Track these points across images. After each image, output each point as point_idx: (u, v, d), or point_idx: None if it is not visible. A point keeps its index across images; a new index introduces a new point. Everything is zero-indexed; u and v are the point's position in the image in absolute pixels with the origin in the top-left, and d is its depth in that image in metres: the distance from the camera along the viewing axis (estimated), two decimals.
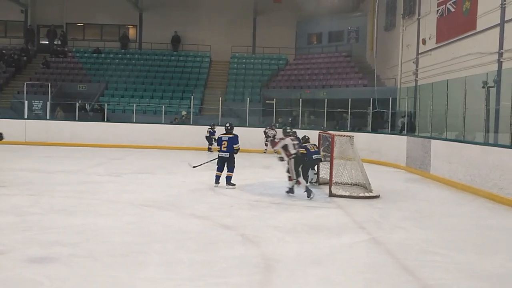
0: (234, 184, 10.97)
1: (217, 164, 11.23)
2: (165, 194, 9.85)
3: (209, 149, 20.55)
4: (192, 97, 23.99)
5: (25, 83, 24.59)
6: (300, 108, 22.34)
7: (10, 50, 30.27)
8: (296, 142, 10.36)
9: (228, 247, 6.18)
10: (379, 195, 10.38)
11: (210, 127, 20.86)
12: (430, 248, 6.39)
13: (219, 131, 18.92)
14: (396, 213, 8.79)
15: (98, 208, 8.33)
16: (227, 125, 11.38)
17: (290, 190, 10.24)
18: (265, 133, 20.91)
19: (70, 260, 5.43)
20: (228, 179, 10.99)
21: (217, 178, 11.11)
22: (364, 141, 15.46)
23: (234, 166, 11.13)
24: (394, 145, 17.15)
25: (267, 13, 30.74)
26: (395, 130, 19.15)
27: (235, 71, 30.03)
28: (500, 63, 14.47)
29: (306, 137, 12.24)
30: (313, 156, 11.48)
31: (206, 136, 20.76)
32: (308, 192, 9.78)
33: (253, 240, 6.55)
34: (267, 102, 23.88)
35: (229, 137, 11.15)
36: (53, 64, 29.54)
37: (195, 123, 22.78)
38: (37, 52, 31.62)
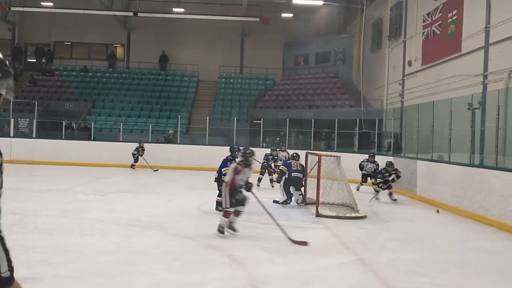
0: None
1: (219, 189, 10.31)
2: (151, 214, 9.77)
3: (132, 166, 20.62)
4: (179, 116, 23.98)
5: (11, 101, 24.37)
6: (287, 128, 22.40)
7: None
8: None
9: (215, 268, 6.13)
10: (366, 216, 10.39)
11: (138, 144, 20.76)
12: (417, 269, 6.39)
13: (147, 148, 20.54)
14: (383, 234, 8.80)
15: (83, 228, 8.23)
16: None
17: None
18: (270, 156, 16.24)
19: (54, 280, 5.35)
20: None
21: (220, 204, 10.03)
22: (351, 161, 15.50)
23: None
24: (381, 166, 17.20)
25: (255, 34, 30.97)
26: (381, 150, 19.26)
27: (222, 90, 30.12)
28: (485, 85, 14.68)
29: (294, 155, 12.31)
30: (293, 173, 11.59)
31: (133, 153, 20.54)
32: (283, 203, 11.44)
33: (240, 260, 6.51)
34: (254, 122, 23.94)
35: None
36: (40, 82, 29.42)
37: (182, 142, 22.72)
38: (24, 70, 31.48)
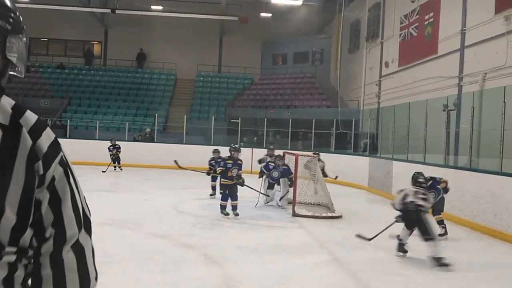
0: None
1: (221, 192, 10.00)
2: (126, 213, 9.68)
3: (118, 168, 19.26)
4: (156, 114, 23.82)
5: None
6: (265, 127, 22.41)
7: None
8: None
9: (190, 267, 6.10)
10: (342, 216, 10.44)
11: (110, 142, 19.26)
12: (391, 268, 6.44)
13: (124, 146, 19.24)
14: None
15: None
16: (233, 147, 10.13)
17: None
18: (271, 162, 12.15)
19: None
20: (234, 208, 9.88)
21: (223, 207, 9.88)
22: (327, 161, 15.55)
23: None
24: (357, 166, 17.34)
25: (233, 33, 30.89)
26: (357, 151, 19.40)
27: (200, 89, 30.00)
28: (460, 87, 14.88)
29: (279, 156, 12.24)
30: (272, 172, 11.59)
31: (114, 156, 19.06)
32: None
33: (216, 260, 6.48)
34: (232, 121, 23.90)
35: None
36: (16, 78, 28.45)
37: (159, 141, 22.57)
38: None
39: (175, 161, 12.83)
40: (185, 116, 23.21)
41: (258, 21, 28.55)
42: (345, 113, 21.57)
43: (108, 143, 19.38)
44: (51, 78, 29.35)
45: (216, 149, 13.33)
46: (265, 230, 8.48)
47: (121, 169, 19.12)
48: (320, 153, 13.48)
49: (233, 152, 9.86)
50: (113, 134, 23.21)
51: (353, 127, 19.48)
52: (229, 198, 9.73)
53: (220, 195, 9.97)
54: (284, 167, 11.72)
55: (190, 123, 24.48)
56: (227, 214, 9.66)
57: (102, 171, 17.95)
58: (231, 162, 9.73)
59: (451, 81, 15.39)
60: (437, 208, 8.79)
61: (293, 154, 11.76)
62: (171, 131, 25.04)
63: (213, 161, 12.75)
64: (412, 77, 18.17)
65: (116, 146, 19.15)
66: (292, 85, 29.01)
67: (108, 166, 18.58)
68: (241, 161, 9.91)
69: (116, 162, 19.18)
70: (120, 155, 19.24)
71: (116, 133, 23.61)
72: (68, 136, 22.83)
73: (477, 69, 14.10)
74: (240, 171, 9.78)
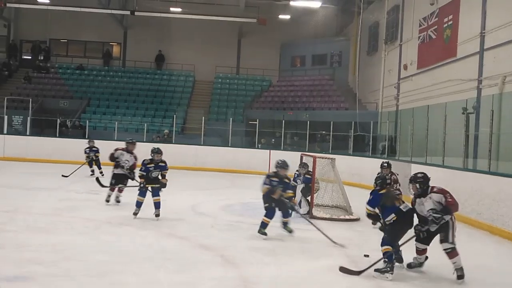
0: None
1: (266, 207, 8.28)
2: (144, 213, 9.74)
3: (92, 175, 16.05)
4: (174, 115, 23.94)
5: (5, 98, 24.31)
6: (283, 129, 22.39)
7: None
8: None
9: (207, 268, 6.13)
10: (360, 218, 10.39)
11: (88, 143, 16.91)
12: (408, 272, 6.40)
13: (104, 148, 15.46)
14: (375, 237, 8.77)
15: (76, 226, 8.21)
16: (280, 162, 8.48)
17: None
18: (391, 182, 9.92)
19: (45, 279, 5.34)
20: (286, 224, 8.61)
21: (265, 225, 8.23)
22: (345, 163, 15.52)
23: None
24: (375, 168, 17.18)
25: (252, 34, 30.97)
26: (376, 153, 19.29)
27: (218, 91, 30.11)
28: (479, 90, 14.75)
29: (304, 164, 11.37)
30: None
31: (90, 159, 16.51)
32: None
33: (233, 261, 6.51)
34: (250, 122, 23.94)
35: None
36: (35, 79, 29.32)
37: (177, 142, 22.67)
38: (19, 67, 31.35)
39: (97, 179, 11.64)
40: (203, 118, 23.28)
41: (277, 23, 28.61)
42: (364, 116, 21.47)
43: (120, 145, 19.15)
44: (70, 79, 29.70)
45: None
46: (282, 232, 8.46)
47: (102, 175, 15.35)
48: (335, 155, 13.34)
49: (279, 169, 8.30)
50: (132, 135, 23.36)
51: (371, 130, 19.37)
52: (279, 213, 8.38)
53: (265, 210, 8.30)
54: (307, 175, 10.95)
55: (208, 124, 24.57)
56: (265, 234, 8.13)
57: (63, 175, 15.64)
58: (277, 180, 8.26)
59: (470, 84, 15.25)
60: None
61: (311, 156, 11.74)
62: (189, 132, 25.15)
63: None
64: (431, 79, 18.04)
65: (94, 148, 16.55)
66: (310, 87, 28.95)
67: (74, 170, 15.98)
68: (288, 179, 8.43)
69: (97, 167, 16.42)
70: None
71: (134, 134, 23.78)
72: (87, 136, 23.03)
73: (496, 72, 13.96)
74: (288, 192, 8.35)
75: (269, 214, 8.20)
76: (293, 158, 12.52)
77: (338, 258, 6.99)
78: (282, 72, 31.77)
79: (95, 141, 17.03)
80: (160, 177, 9.44)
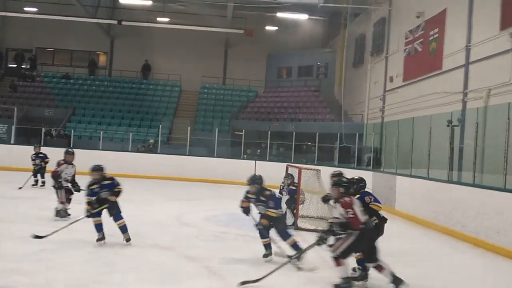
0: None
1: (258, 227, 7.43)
2: (128, 224, 9.63)
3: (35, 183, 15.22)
4: (160, 125, 23.85)
5: None
6: (269, 140, 22.39)
7: None
8: None
9: (191, 279, 6.08)
10: None
11: (34, 149, 15.62)
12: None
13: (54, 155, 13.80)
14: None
15: (58, 236, 8.09)
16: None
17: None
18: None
19: None
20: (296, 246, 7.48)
21: (265, 247, 7.54)
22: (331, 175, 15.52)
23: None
24: None
25: (239, 45, 31.03)
26: (361, 165, 19.35)
27: (205, 101, 30.09)
28: (464, 103, 14.89)
29: (289, 174, 11.29)
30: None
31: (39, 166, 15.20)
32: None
33: (217, 272, 6.46)
34: (236, 133, 23.92)
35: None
36: (21, 88, 29.07)
37: (163, 152, 22.57)
38: (4, 75, 31.09)
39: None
40: (188, 128, 23.22)
41: (264, 34, 28.73)
42: (349, 127, 21.57)
43: (113, 154, 18.84)
44: (56, 88, 29.50)
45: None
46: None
47: (43, 185, 14.84)
48: (320, 167, 13.35)
49: (249, 186, 7.49)
50: (117, 145, 23.31)
51: (356, 141, 19.47)
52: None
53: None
54: (292, 187, 10.74)
55: (194, 134, 24.53)
56: (267, 255, 7.45)
57: (19, 188, 14.50)
58: (254, 197, 7.47)
59: (455, 97, 15.39)
60: None
61: (296, 167, 11.73)
62: (174, 142, 25.07)
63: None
64: (417, 92, 18.18)
65: (41, 155, 15.22)
66: (296, 98, 29.06)
67: (27, 181, 14.77)
68: (264, 196, 7.32)
69: (39, 175, 15.18)
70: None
71: (119, 143, 23.69)
72: (71, 145, 22.82)
73: (481, 85, 14.11)
74: (269, 210, 7.29)
75: (261, 234, 7.43)
76: (278, 169, 12.56)
77: (324, 271, 6.95)
78: (269, 83, 31.86)
79: (41, 147, 15.95)
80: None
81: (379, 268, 6.06)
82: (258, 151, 23.07)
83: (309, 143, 22.24)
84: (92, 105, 28.23)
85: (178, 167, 21.14)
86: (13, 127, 23.03)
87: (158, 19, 27.45)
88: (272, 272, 6.12)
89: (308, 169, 11.72)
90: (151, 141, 23.37)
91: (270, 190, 7.43)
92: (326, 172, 13.54)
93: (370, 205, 6.67)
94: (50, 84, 29.94)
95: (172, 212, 11.62)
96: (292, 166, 12.82)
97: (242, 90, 31.18)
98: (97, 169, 8.04)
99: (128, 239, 7.93)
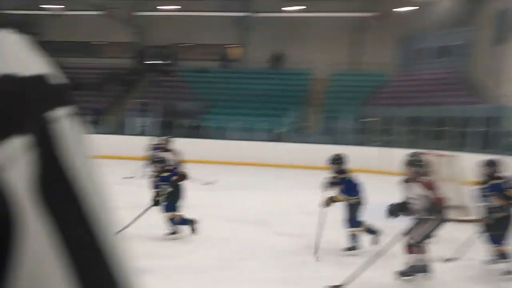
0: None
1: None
2: (256, 211, 9.77)
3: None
4: (290, 114, 23.96)
5: (133, 102, 25.85)
6: (402, 126, 21.54)
7: (122, 70, 32.08)
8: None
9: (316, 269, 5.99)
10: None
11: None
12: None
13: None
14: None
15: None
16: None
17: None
18: None
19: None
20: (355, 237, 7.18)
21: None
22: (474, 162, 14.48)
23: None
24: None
25: (368, 29, 30.17)
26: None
27: (334, 88, 29.67)
28: None
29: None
30: None
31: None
32: None
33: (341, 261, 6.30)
34: (367, 120, 23.35)
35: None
36: (160, 83, 30.92)
37: (291, 140, 22.70)
38: (145, 71, 33.21)
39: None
40: (317, 116, 23.10)
41: (396, 16, 27.72)
42: (492, 110, 20.12)
43: (244, 143, 19.52)
44: (192, 82, 30.86)
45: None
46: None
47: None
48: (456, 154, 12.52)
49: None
50: (248, 134, 23.87)
51: (503, 125, 18.13)
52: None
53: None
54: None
55: (324, 122, 24.35)
56: (353, 248, 7.09)
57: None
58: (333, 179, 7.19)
59: None
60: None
61: (432, 155, 11.08)
62: (304, 130, 25.09)
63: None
64: None
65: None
66: (432, 81, 27.50)
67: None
68: (345, 177, 7.05)
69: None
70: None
71: (250, 133, 24.18)
72: (204, 136, 23.87)
73: None
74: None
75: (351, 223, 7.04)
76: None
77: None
78: (401, 66, 30.58)
79: None
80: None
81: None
82: (390, 137, 22.29)
83: (447, 127, 21.04)
84: (225, 97, 29.07)
85: (307, 155, 21.07)
86: (156, 120, 24.48)
87: (288, 8, 27.51)
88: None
89: (443, 156, 11.05)
90: (281, 130, 23.44)
91: (348, 173, 6.99)
92: (470, 160, 12.68)
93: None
94: (188, 78, 31.38)
95: (298, 200, 11.51)
96: (427, 153, 12.17)
97: (373, 75, 30.29)
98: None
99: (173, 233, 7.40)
